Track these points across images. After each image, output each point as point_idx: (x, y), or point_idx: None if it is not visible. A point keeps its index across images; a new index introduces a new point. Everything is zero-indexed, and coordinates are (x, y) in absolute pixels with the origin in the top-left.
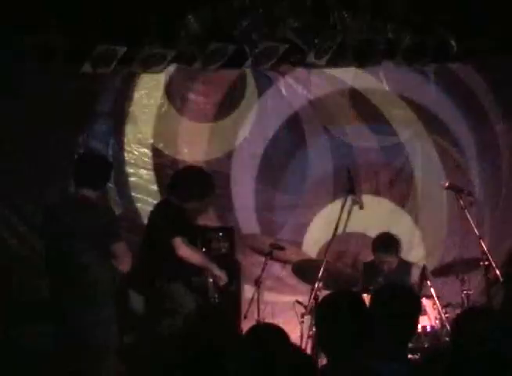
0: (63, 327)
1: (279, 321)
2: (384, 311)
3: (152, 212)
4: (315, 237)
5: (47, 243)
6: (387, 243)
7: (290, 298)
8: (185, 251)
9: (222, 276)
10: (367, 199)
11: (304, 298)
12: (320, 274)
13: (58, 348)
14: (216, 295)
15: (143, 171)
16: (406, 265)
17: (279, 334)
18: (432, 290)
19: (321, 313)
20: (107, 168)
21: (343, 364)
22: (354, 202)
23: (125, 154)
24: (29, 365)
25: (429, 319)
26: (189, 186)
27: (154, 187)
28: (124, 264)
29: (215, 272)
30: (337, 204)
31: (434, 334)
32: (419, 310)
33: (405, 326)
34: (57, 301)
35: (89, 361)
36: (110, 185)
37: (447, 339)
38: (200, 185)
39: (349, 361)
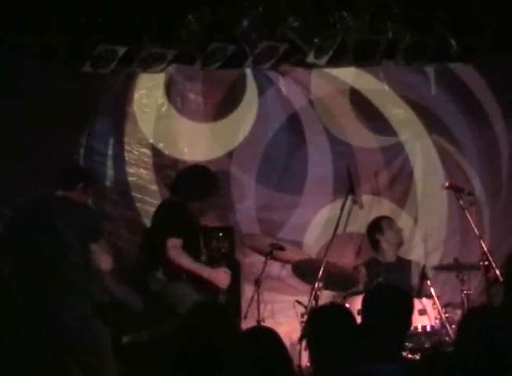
0: (42, 328)
1: (279, 321)
2: (377, 310)
3: (155, 211)
4: (315, 237)
5: (20, 242)
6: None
7: (290, 298)
8: (175, 254)
9: (219, 279)
10: (367, 199)
11: (304, 298)
12: (320, 274)
13: (42, 349)
14: (222, 296)
15: (143, 171)
16: (406, 263)
17: (272, 336)
18: (432, 290)
19: (311, 328)
20: (74, 169)
21: (341, 365)
22: (354, 202)
23: (125, 154)
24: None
25: (429, 319)
26: (192, 185)
27: (154, 187)
28: (105, 263)
29: (206, 275)
30: (337, 204)
31: (434, 334)
32: (411, 308)
33: (398, 325)
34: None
35: (82, 360)
36: (110, 184)
37: (447, 339)
38: (203, 185)
39: (346, 362)
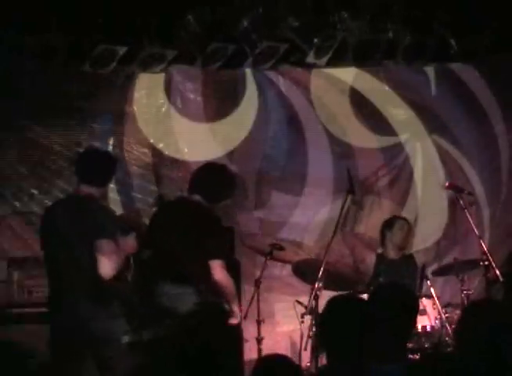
0: (62, 326)
1: (279, 321)
2: (382, 310)
3: (178, 211)
4: (315, 237)
5: (48, 240)
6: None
7: (290, 298)
8: (225, 278)
9: (236, 315)
10: (367, 199)
11: (304, 298)
12: (320, 274)
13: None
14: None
15: (143, 171)
16: (411, 262)
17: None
18: (432, 290)
19: (327, 317)
20: (112, 164)
21: (342, 365)
22: (354, 202)
23: (125, 154)
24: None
25: (429, 319)
26: (220, 185)
27: (154, 187)
28: (103, 268)
29: (234, 309)
30: (337, 204)
31: (434, 334)
32: (417, 309)
33: (403, 325)
34: (57, 299)
35: (98, 358)
36: (111, 185)
37: (447, 339)
38: (229, 183)
39: (349, 361)
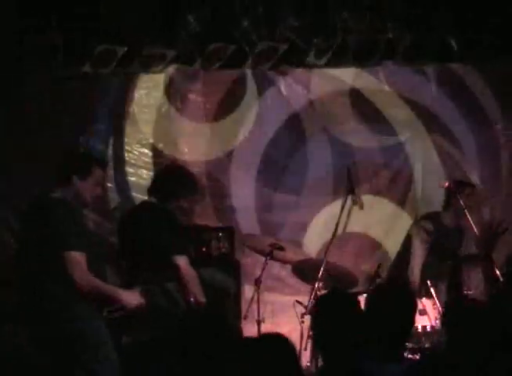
0: (43, 326)
1: (279, 321)
2: (380, 311)
3: (135, 216)
4: (315, 237)
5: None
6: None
7: (290, 298)
8: (190, 272)
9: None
10: (367, 199)
11: (304, 298)
12: (320, 274)
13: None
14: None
15: (143, 171)
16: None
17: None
18: (432, 290)
19: (319, 314)
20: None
21: (340, 365)
22: (354, 202)
23: (125, 154)
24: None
25: (429, 319)
26: (168, 184)
27: None
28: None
29: (200, 298)
30: (337, 204)
31: (434, 334)
32: (414, 309)
33: (401, 325)
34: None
35: (77, 356)
36: (110, 185)
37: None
38: (178, 182)
39: (346, 362)
